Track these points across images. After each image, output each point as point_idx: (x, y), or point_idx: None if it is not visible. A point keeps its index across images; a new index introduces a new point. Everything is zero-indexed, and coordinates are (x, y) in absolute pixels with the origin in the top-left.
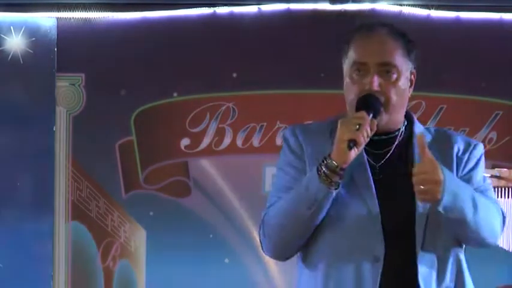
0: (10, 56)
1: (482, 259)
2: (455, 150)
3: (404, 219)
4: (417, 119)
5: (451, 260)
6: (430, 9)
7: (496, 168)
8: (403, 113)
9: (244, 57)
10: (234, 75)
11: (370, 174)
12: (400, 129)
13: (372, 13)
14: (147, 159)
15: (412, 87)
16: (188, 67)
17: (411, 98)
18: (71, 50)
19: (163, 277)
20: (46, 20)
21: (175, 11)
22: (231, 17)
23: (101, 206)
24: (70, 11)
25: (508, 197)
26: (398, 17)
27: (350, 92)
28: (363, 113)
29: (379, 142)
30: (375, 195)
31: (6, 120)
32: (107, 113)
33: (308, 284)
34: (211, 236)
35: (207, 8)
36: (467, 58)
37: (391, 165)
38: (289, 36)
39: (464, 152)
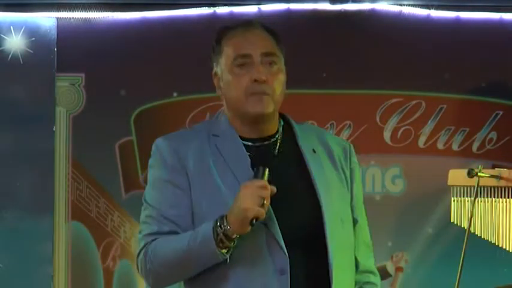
0: (10, 56)
1: (483, 259)
2: (335, 152)
3: (307, 229)
4: (417, 119)
5: (352, 271)
6: (430, 9)
7: (496, 168)
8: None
9: None
10: None
11: None
12: (278, 130)
13: (372, 13)
14: (147, 159)
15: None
16: (188, 67)
17: (411, 98)
18: (71, 50)
19: None
20: (46, 20)
21: (175, 11)
22: (231, 17)
23: (101, 206)
24: (70, 11)
25: (508, 197)
26: (399, 17)
27: (236, 88)
28: (265, 183)
29: (262, 148)
30: (269, 207)
31: (6, 120)
32: (107, 113)
33: None
34: None
35: (207, 8)
36: (467, 58)
37: (279, 173)
38: (289, 36)
39: (344, 158)
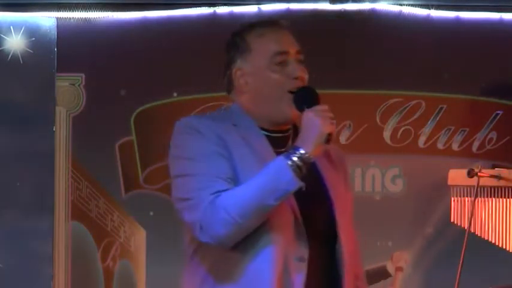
0: (10, 56)
1: (483, 259)
2: (333, 157)
3: (323, 218)
4: (417, 119)
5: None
6: (430, 9)
7: (496, 168)
8: None
9: None
10: None
11: None
12: (290, 127)
13: (372, 13)
14: (147, 159)
15: None
16: (188, 67)
17: (411, 98)
18: (71, 50)
19: (163, 277)
20: (46, 20)
21: (175, 11)
22: (231, 17)
23: (101, 206)
24: (70, 11)
25: (508, 197)
26: (398, 17)
27: (275, 85)
28: (326, 106)
29: (280, 139)
30: (293, 196)
31: (6, 120)
32: (107, 113)
33: (231, 275)
34: None
35: (207, 8)
36: (467, 58)
37: None
38: None
39: (340, 165)
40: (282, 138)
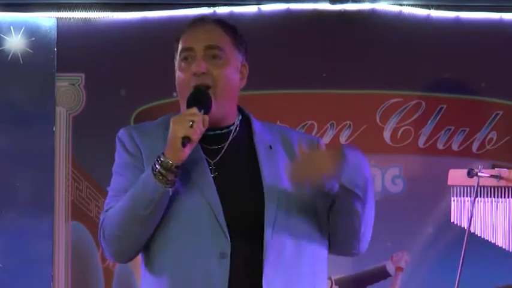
0: (10, 56)
1: (483, 259)
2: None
3: (249, 216)
4: (417, 119)
5: (304, 261)
6: (430, 9)
7: (496, 168)
8: (235, 106)
9: None
10: None
11: (209, 171)
12: (234, 123)
13: (372, 13)
14: None
15: (244, 80)
16: None
17: (411, 98)
18: (71, 50)
19: None
20: (46, 20)
21: (175, 11)
22: (231, 17)
23: (101, 206)
24: (70, 11)
25: (508, 197)
26: (398, 17)
27: (180, 83)
28: (194, 110)
29: (214, 137)
30: (216, 192)
31: (6, 120)
32: (107, 113)
33: (153, 287)
34: None
35: (207, 8)
36: (467, 58)
37: (229, 162)
38: (289, 36)
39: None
40: (218, 135)
